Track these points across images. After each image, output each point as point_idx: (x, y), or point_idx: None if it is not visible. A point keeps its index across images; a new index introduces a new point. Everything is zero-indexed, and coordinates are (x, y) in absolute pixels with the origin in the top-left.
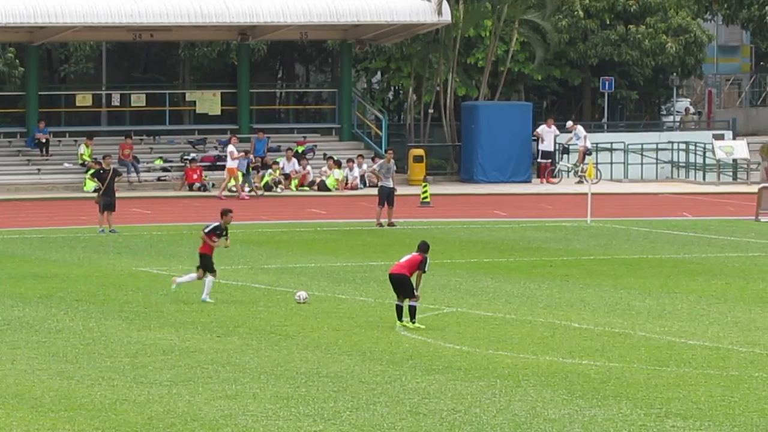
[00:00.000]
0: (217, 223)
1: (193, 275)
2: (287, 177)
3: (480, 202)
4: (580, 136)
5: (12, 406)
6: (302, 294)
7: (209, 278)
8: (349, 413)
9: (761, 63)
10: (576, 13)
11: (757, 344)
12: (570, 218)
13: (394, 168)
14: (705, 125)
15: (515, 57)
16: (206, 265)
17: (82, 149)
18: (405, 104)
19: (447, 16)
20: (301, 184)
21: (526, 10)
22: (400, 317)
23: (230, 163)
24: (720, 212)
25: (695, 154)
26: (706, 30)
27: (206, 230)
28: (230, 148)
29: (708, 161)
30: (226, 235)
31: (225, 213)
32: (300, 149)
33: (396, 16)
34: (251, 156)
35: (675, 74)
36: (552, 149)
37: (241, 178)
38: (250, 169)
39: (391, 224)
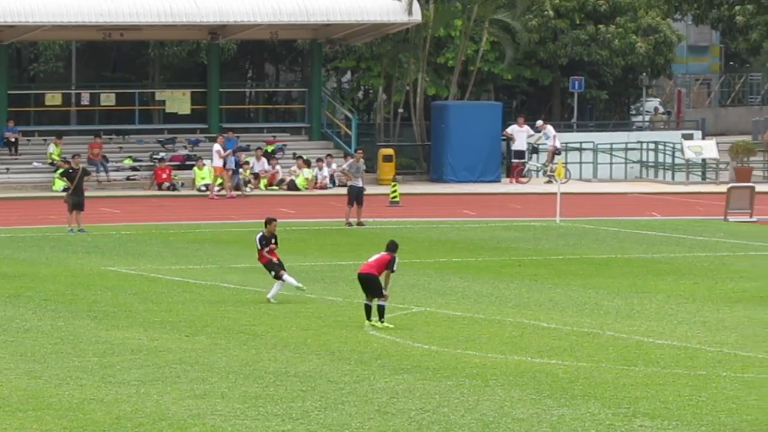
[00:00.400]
0: (260, 234)
1: (280, 283)
2: (257, 176)
3: (449, 202)
4: (550, 136)
5: None
6: (291, 280)
7: (287, 279)
8: (317, 413)
9: (731, 63)
10: (546, 12)
11: (725, 344)
12: (539, 218)
13: (364, 167)
14: (674, 125)
15: (485, 57)
16: (275, 270)
17: (52, 148)
18: (375, 104)
19: (417, 16)
20: (270, 184)
21: (496, 10)
22: (368, 316)
23: (217, 162)
24: (689, 212)
25: (664, 153)
26: (675, 30)
27: (259, 248)
28: (216, 146)
29: (677, 161)
30: (276, 242)
31: (269, 222)
32: (269, 148)
33: (366, 16)
34: (242, 155)
35: (645, 74)
36: (524, 149)
37: (230, 177)
38: (239, 167)
39: (360, 224)
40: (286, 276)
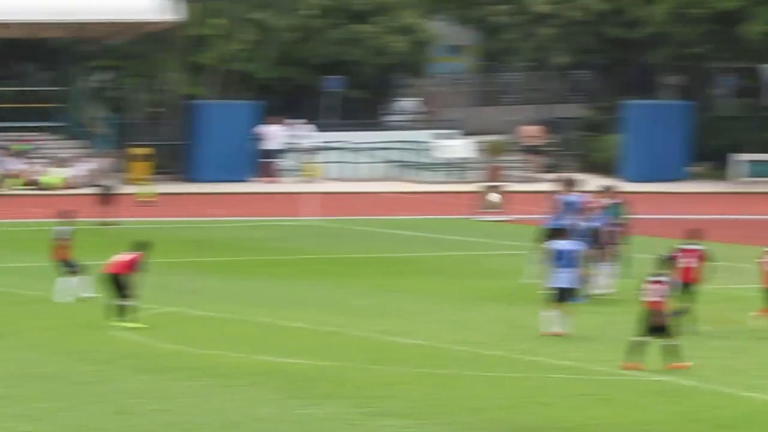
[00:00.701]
0: (65, 228)
1: (81, 279)
2: (9, 176)
3: (203, 201)
4: (305, 135)
5: None
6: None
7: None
8: (60, 413)
9: (488, 63)
10: (305, 12)
11: (473, 343)
12: (293, 217)
13: (118, 167)
14: (431, 124)
15: (244, 56)
16: (72, 269)
17: None
18: (132, 103)
19: (176, 15)
20: (22, 183)
21: (255, 9)
22: (115, 316)
23: None
24: (442, 211)
25: (420, 153)
26: (433, 29)
27: (59, 237)
28: None
29: (432, 160)
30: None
31: (67, 214)
32: (21, 147)
33: (123, 15)
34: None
35: (402, 73)
36: (278, 148)
37: None
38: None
39: (111, 223)
40: (68, 284)
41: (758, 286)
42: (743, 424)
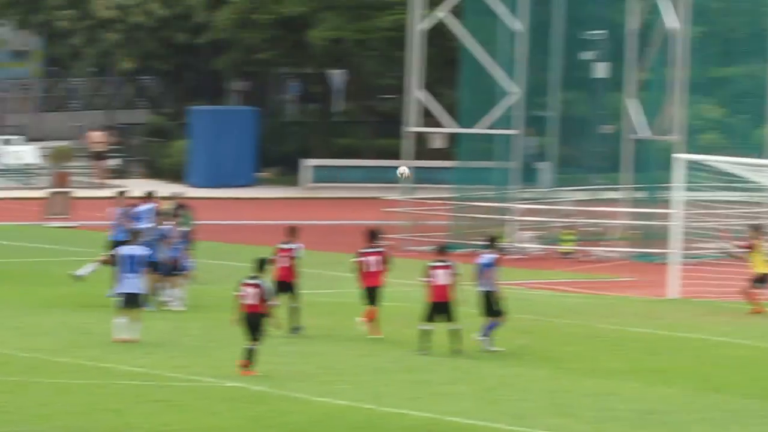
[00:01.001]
0: None
1: None
2: None
3: None
4: None
5: None
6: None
7: None
8: None
9: (52, 68)
10: None
11: (40, 350)
12: None
13: None
14: None
15: None
16: None
17: None
18: None
19: None
20: None
21: None
22: None
23: None
24: (9, 217)
25: None
26: None
27: None
28: None
29: None
30: None
31: None
32: None
33: None
34: None
35: None
36: None
37: None
38: None
39: None
40: None
41: (354, 289)
42: (315, 429)
